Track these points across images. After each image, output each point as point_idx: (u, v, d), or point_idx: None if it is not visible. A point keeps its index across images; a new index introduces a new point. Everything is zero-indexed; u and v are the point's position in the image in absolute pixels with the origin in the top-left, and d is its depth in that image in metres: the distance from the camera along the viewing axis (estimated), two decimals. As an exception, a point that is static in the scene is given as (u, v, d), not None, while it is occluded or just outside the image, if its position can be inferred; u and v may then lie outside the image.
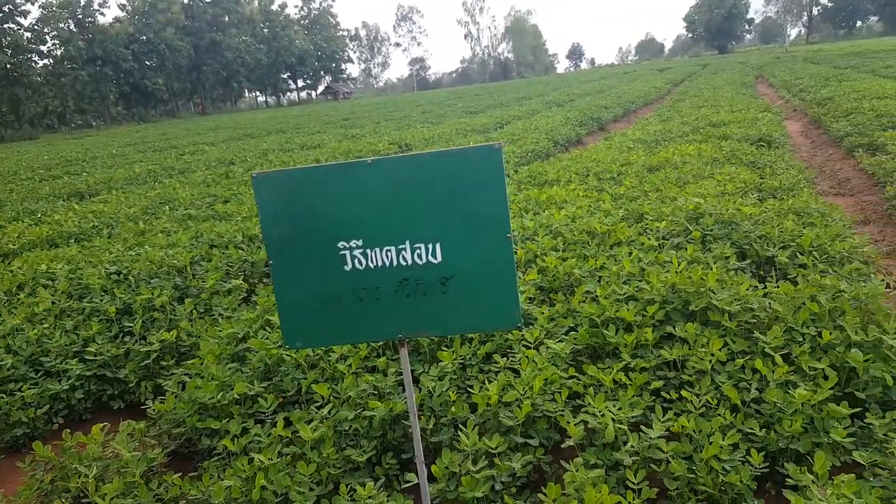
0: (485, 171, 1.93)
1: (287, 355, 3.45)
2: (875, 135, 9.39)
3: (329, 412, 2.94)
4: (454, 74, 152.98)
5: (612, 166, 7.75)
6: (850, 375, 2.76)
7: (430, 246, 2.00)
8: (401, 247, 2.02)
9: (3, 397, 3.70)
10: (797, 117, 15.38)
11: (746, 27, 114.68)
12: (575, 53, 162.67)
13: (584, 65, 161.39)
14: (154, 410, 3.35)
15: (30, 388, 3.78)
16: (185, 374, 3.67)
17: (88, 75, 69.97)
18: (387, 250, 2.03)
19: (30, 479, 2.87)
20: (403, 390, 3.10)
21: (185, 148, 20.99)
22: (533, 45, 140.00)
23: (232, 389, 3.23)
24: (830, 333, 2.84)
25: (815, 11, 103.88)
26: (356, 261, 2.06)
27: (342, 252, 2.06)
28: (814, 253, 3.92)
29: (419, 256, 2.01)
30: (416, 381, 3.25)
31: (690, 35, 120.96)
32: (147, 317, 4.56)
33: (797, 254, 3.92)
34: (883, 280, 4.63)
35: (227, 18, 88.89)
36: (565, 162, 8.92)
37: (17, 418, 3.63)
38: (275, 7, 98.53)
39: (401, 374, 3.34)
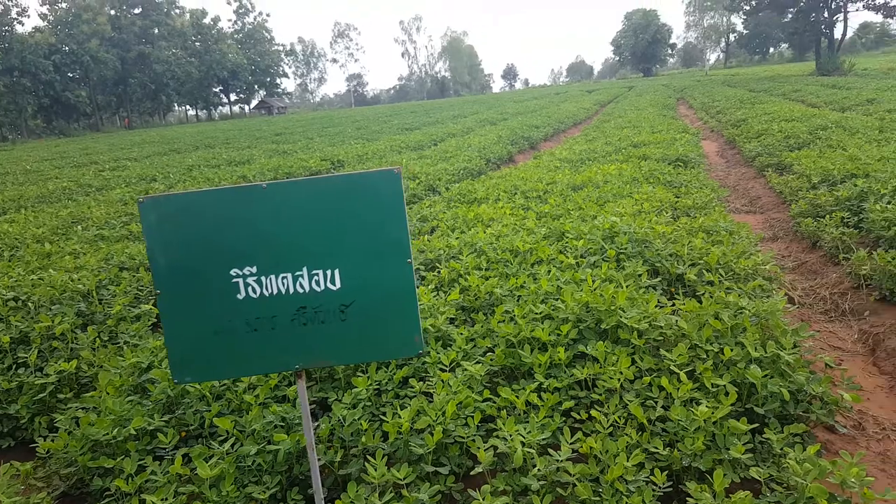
0: (384, 195, 1.90)
1: (192, 386, 3.29)
2: (783, 155, 9.91)
3: (232, 447, 2.81)
4: (392, 91, 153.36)
5: (539, 185, 7.87)
6: (750, 391, 2.85)
7: (329, 272, 1.94)
8: (298, 273, 1.95)
9: None
10: (714, 138, 16.10)
11: (669, 51, 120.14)
12: (509, 74, 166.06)
13: (518, 85, 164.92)
14: (43, 449, 3.11)
15: None
16: (82, 409, 3.44)
17: (4, 86, 66.22)
18: (283, 277, 1.96)
19: None
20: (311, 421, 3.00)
21: (106, 164, 20.09)
22: (469, 65, 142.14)
23: (129, 424, 3.04)
24: (732, 350, 2.93)
25: (731, 38, 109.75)
26: (250, 289, 1.97)
27: (235, 280, 1.97)
28: (720, 270, 4.07)
29: (317, 283, 1.95)
30: (328, 408, 3.15)
31: (617, 58, 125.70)
32: (45, 346, 4.27)
33: (704, 271, 4.05)
34: (785, 295, 4.86)
35: (156, 31, 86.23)
36: (495, 180, 9.01)
37: None
38: (207, 20, 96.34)
39: (312, 402, 3.24)
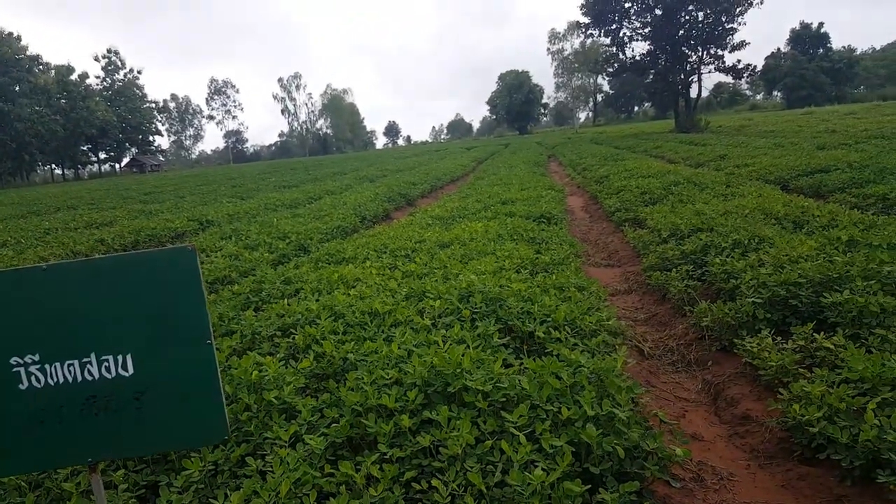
0: (178, 275, 1.81)
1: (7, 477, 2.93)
2: (639, 210, 10.54)
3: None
4: (273, 147, 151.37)
5: (408, 243, 7.94)
6: (588, 450, 2.90)
7: (120, 357, 1.81)
8: (85, 360, 1.80)
9: None
10: (580, 193, 17.03)
11: (542, 110, 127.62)
12: (392, 131, 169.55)
13: (401, 141, 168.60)
14: None
15: None
16: None
17: None
18: (69, 365, 1.80)
19: None
20: (138, 510, 2.75)
21: (-48, 227, 18.12)
22: (351, 122, 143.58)
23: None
24: (569, 409, 3.00)
25: (599, 97, 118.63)
26: (33, 378, 1.80)
27: (15, 369, 1.79)
28: (566, 327, 4.22)
29: (107, 370, 1.81)
30: (157, 493, 2.90)
31: (494, 117, 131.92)
32: None
33: (552, 328, 4.19)
34: (636, 346, 5.12)
35: (17, 88, 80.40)
36: (366, 238, 9.00)
37: None
38: (74, 77, 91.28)
39: (142, 487, 2.98)
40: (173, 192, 27.52)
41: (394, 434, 3.04)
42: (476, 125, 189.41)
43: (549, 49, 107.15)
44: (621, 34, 51.60)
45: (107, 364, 1.80)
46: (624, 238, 9.80)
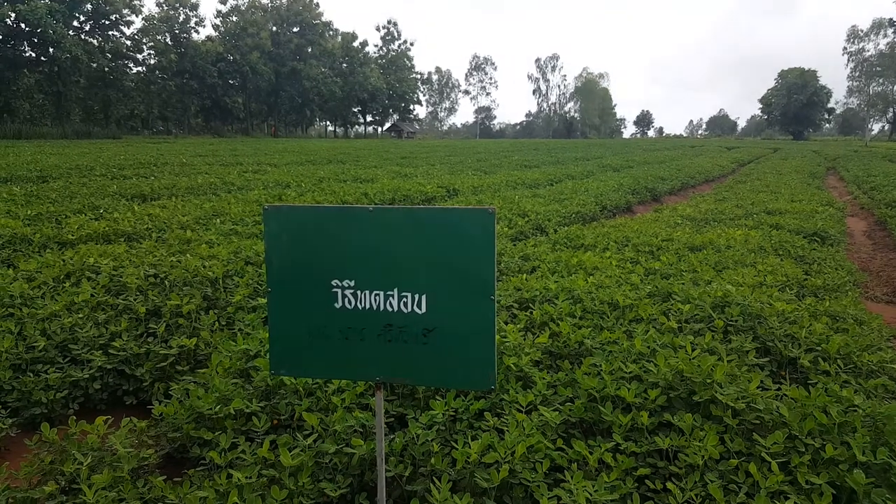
0: (477, 232, 1.98)
1: (288, 379, 3.51)
2: (939, 245, 8.97)
3: (314, 442, 2.97)
4: (518, 126, 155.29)
5: (654, 240, 7.64)
6: (850, 497, 2.60)
7: (417, 296, 2.05)
8: (389, 293, 2.08)
9: (29, 376, 3.93)
10: (863, 215, 14.87)
11: (826, 116, 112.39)
12: (643, 121, 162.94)
13: (651, 132, 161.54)
14: (157, 412, 3.46)
15: (55, 372, 3.99)
16: (194, 382, 3.78)
17: (175, 86, 74.66)
18: (375, 294, 2.09)
19: (32, 457, 3.01)
20: (388, 433, 3.10)
21: (249, 166, 21.74)
22: (601, 108, 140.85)
23: (230, 404, 3.30)
24: (835, 448, 2.70)
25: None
26: (346, 300, 2.12)
27: (335, 290, 2.13)
28: (839, 361, 3.75)
29: (405, 305, 2.06)
30: (405, 424, 3.24)
31: (765, 117, 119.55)
32: (173, 321, 4.74)
33: (821, 359, 3.76)
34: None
35: (310, 49, 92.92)
36: (607, 228, 8.85)
37: (38, 398, 3.84)
38: (356, 44, 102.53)
39: (392, 416, 3.35)
40: (425, 158, 29.71)
41: (629, 428, 3.01)
42: (741, 124, 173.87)
43: (845, 48, 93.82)
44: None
45: (405, 300, 2.06)
46: (917, 274, 8.39)
